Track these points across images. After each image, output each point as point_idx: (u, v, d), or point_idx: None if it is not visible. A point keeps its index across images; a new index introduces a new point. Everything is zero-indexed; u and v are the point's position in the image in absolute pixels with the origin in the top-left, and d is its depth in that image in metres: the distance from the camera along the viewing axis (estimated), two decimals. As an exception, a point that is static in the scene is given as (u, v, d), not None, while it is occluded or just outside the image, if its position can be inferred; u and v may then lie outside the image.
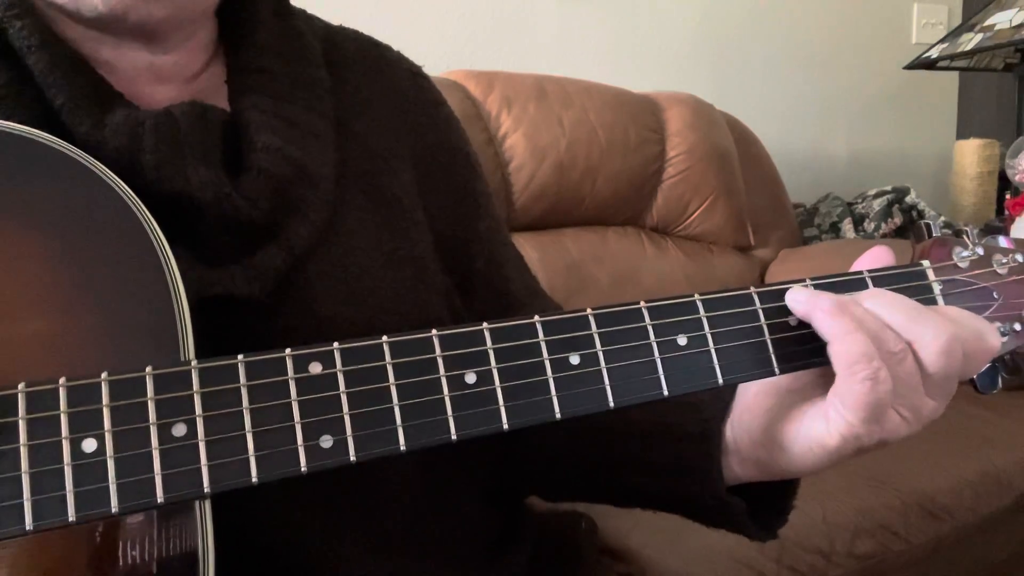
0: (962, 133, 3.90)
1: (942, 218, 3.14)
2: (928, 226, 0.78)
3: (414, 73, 1.01)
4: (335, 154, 0.86)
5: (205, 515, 0.59)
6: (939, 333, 0.67)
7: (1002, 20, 3.05)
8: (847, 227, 3.10)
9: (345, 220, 0.85)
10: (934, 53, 3.27)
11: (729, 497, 0.81)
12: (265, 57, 0.85)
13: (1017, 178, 2.99)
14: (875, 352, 0.66)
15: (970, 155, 3.27)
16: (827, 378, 0.69)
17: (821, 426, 0.70)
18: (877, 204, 3.12)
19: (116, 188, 0.64)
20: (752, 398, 0.77)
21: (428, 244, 0.92)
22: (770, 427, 0.75)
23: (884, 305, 0.69)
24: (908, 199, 3.13)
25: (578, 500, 1.06)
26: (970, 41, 3.11)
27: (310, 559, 0.80)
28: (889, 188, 3.20)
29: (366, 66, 0.96)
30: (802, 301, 0.70)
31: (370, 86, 0.94)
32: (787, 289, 0.71)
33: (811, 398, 0.72)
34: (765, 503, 0.83)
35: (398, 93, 0.96)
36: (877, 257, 0.75)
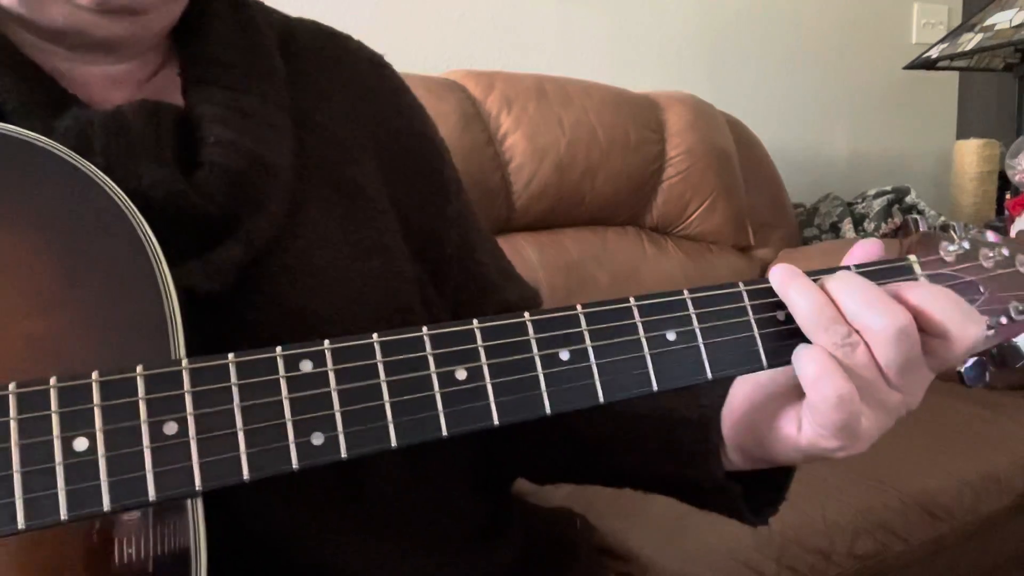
0: (962, 133, 3.90)
1: (942, 218, 3.14)
2: (915, 221, 0.78)
3: (374, 62, 1.00)
4: (294, 145, 0.86)
5: (197, 513, 0.60)
6: (889, 322, 0.66)
7: (1002, 20, 3.05)
8: (847, 227, 3.11)
9: (308, 211, 0.85)
10: (934, 53, 3.27)
11: (726, 482, 0.81)
12: (218, 48, 0.85)
13: (1017, 178, 2.99)
14: (839, 371, 0.66)
15: (970, 155, 3.27)
16: None
17: (793, 430, 0.71)
18: (877, 204, 3.12)
19: (103, 185, 0.65)
20: (741, 388, 0.78)
21: (395, 233, 0.91)
22: (751, 420, 0.76)
23: (842, 290, 0.69)
24: (908, 199, 3.14)
25: (566, 481, 1.06)
26: (970, 41, 3.11)
27: (297, 548, 0.80)
28: (889, 188, 3.21)
29: (325, 56, 0.95)
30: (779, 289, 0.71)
31: (330, 77, 0.94)
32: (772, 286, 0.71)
33: (792, 397, 0.72)
34: (758, 490, 0.83)
35: (359, 82, 0.96)
36: (868, 251, 0.75)
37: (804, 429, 0.70)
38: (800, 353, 0.68)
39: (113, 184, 0.65)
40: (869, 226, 3.08)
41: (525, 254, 2.45)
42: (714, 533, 1.61)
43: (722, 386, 0.81)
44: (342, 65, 0.96)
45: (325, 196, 0.87)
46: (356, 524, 0.84)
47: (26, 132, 0.65)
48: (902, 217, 3.08)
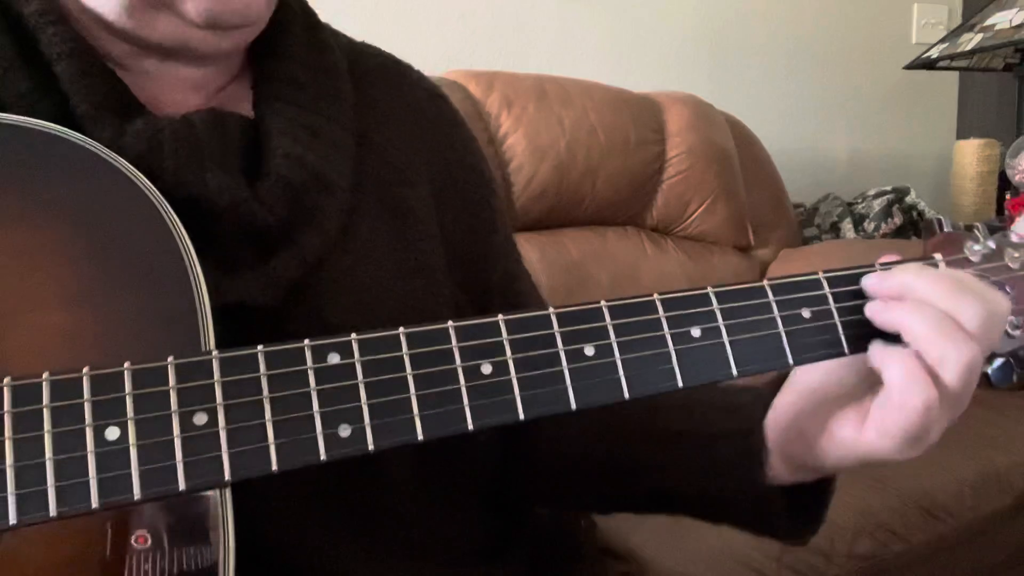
0: (962, 133, 3.90)
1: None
2: (939, 221, 0.78)
3: (433, 93, 1.01)
4: (354, 164, 0.87)
5: (226, 503, 0.60)
6: (979, 308, 0.67)
7: (1002, 20, 3.05)
8: (847, 227, 3.11)
9: (359, 229, 0.86)
10: (934, 53, 3.28)
11: (768, 491, 0.80)
12: (292, 67, 0.86)
13: (1017, 178, 3.00)
14: (928, 377, 0.66)
15: (970, 155, 3.27)
16: (863, 380, 0.71)
17: (850, 433, 0.71)
18: (877, 204, 3.13)
19: (142, 187, 0.66)
20: (786, 397, 0.78)
21: (440, 257, 0.92)
22: (801, 427, 0.75)
23: (922, 279, 0.69)
24: (908, 199, 3.14)
25: (592, 510, 1.07)
26: (970, 41, 3.12)
27: (309, 559, 0.81)
28: (889, 188, 3.21)
29: (387, 82, 0.97)
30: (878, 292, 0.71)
31: (390, 101, 0.95)
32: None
33: (844, 400, 0.73)
34: (796, 508, 0.83)
35: (417, 111, 0.97)
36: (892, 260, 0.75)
37: (867, 433, 0.70)
38: (885, 355, 0.68)
39: (148, 182, 0.66)
40: (869, 226, 3.08)
41: (525, 254, 2.41)
42: (714, 533, 1.59)
43: (765, 397, 0.80)
44: (403, 92, 0.97)
45: (377, 214, 0.88)
46: (370, 538, 0.85)
47: (67, 131, 0.66)
48: (902, 217, 3.09)
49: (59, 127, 0.65)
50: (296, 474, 0.58)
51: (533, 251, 2.46)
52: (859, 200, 3.23)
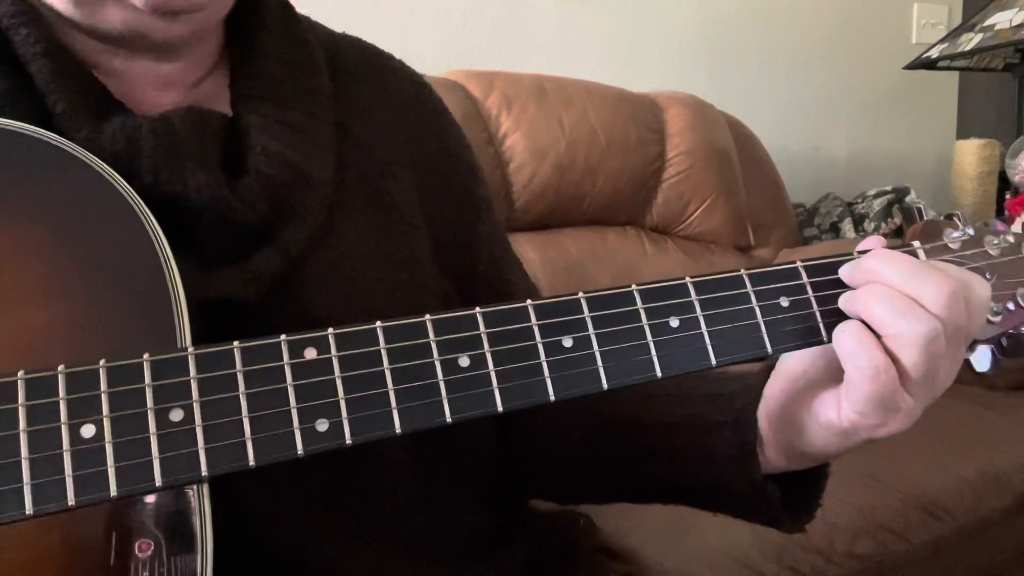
0: (962, 133, 3.90)
1: (942, 218, 3.13)
2: (919, 209, 0.78)
3: (416, 82, 1.01)
4: (335, 158, 0.86)
5: (203, 500, 0.60)
6: (940, 287, 0.67)
7: (1002, 20, 3.05)
8: (847, 227, 3.11)
9: (343, 223, 0.86)
10: (934, 53, 3.28)
11: (764, 483, 0.81)
12: (269, 63, 0.86)
13: (1017, 178, 2.99)
14: (875, 343, 0.67)
15: (970, 155, 3.27)
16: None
17: (833, 414, 0.71)
18: (877, 204, 3.13)
19: (117, 186, 0.65)
20: (775, 384, 0.78)
21: (426, 249, 0.92)
22: (790, 413, 0.76)
23: (885, 264, 0.70)
24: (908, 199, 3.14)
25: (591, 501, 1.07)
26: (970, 41, 3.12)
27: (303, 554, 0.81)
28: (889, 188, 3.21)
29: (368, 74, 0.96)
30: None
31: (372, 93, 0.95)
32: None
33: (828, 383, 0.73)
34: (792, 496, 0.83)
35: (400, 101, 0.97)
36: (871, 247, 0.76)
37: (843, 409, 0.70)
38: (837, 330, 0.69)
39: (123, 181, 0.66)
40: (869, 226, 3.08)
41: (525, 254, 2.44)
42: (714, 533, 1.61)
43: (756, 387, 0.81)
44: (384, 83, 0.97)
45: (360, 208, 0.88)
46: (365, 534, 0.84)
47: (43, 131, 0.65)
48: (902, 217, 3.08)
49: (33, 127, 0.65)
50: (292, 471, 0.58)
51: (533, 251, 2.47)
52: (859, 200, 3.23)
